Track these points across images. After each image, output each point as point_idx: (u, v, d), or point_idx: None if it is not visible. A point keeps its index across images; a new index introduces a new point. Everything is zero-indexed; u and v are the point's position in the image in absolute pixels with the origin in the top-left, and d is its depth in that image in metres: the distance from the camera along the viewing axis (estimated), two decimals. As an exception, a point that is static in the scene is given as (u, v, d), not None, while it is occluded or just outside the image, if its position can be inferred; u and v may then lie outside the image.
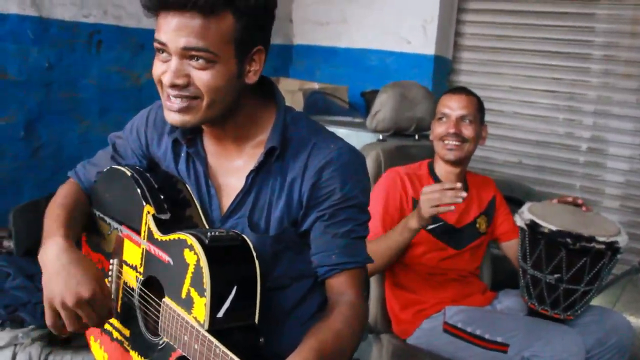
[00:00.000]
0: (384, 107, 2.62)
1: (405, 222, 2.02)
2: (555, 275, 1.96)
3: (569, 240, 1.91)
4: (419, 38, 3.90)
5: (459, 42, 4.07)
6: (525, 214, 2.04)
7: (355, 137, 2.87)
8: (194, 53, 1.20)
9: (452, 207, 1.87)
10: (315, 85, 3.77)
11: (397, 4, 3.93)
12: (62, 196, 1.46)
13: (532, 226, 1.99)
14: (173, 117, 1.27)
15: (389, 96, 2.61)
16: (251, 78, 1.29)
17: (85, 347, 2.32)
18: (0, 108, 2.79)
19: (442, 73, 4.01)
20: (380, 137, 2.70)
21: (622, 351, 2.08)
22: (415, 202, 2.22)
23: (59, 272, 1.24)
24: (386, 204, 2.21)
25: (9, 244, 2.62)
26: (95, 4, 3.08)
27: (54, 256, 1.27)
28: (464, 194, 1.85)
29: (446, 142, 2.25)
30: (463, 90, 2.35)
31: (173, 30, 1.19)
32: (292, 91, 3.50)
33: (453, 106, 2.28)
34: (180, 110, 1.24)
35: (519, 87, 3.90)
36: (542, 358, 1.92)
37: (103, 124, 3.20)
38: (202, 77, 1.21)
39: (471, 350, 2.10)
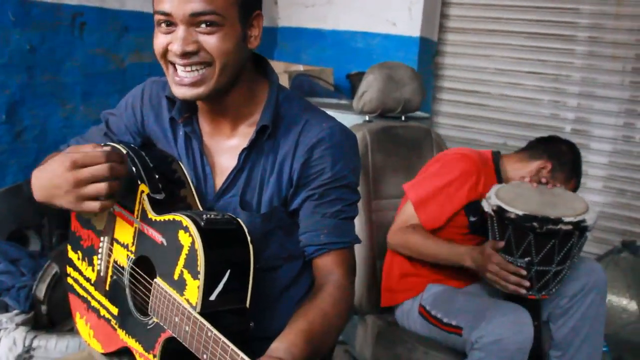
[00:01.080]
0: (370, 88, 2.60)
1: (463, 252, 2.08)
2: (526, 259, 1.97)
3: (535, 224, 1.91)
4: (405, 20, 3.88)
5: (444, 24, 4.07)
6: (492, 199, 2.04)
7: (342, 119, 2.77)
8: (202, 18, 1.18)
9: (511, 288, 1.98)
10: (301, 68, 3.75)
11: (383, -14, 3.91)
12: (48, 158, 1.42)
13: (499, 212, 1.99)
14: (184, 92, 1.25)
15: (376, 77, 2.60)
16: (253, 43, 1.29)
17: (70, 331, 2.34)
18: (-18, 91, 2.74)
19: (427, 55, 4.00)
20: (367, 118, 2.69)
21: (602, 293, 2.11)
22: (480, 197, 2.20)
23: (45, 172, 1.21)
24: (459, 189, 2.19)
25: (-9, 228, 2.60)
26: (78, -15, 3.04)
27: (36, 182, 1.24)
28: (527, 284, 1.96)
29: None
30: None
31: None
32: (278, 73, 3.46)
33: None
34: (194, 84, 1.23)
35: (505, 69, 3.91)
36: (487, 338, 1.92)
37: (87, 107, 3.16)
38: (212, 42, 1.20)
39: (437, 332, 2.14)
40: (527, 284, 1.97)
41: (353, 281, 1.38)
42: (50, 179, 1.19)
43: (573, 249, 1.97)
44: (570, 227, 1.91)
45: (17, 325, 2.23)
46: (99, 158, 1.16)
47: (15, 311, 2.28)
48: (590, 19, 3.67)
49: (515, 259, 1.99)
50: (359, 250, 1.96)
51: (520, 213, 1.95)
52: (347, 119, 2.78)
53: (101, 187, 1.16)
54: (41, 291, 2.29)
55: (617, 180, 3.70)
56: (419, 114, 2.89)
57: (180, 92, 1.25)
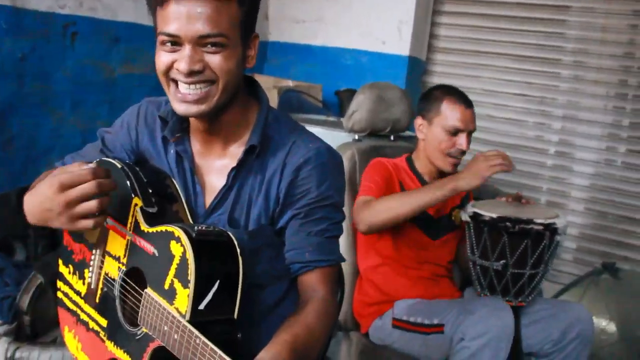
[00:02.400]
0: (360, 107, 2.64)
1: (448, 181, 2.10)
2: (502, 262, 2.08)
3: (508, 224, 2.03)
4: (394, 39, 3.93)
5: (433, 43, 4.12)
6: (469, 208, 2.16)
7: (330, 137, 2.84)
8: (209, 40, 1.22)
9: (511, 169, 2.09)
10: (290, 83, 3.77)
11: (373, 5, 3.96)
12: (42, 177, 1.43)
13: (475, 217, 2.11)
14: (186, 108, 1.27)
15: (366, 97, 2.64)
16: (250, 62, 1.33)
17: (53, 342, 2.32)
18: (-29, 98, 2.74)
19: (416, 74, 4.05)
20: (356, 137, 2.72)
21: (585, 342, 2.14)
22: (402, 186, 2.29)
23: (35, 197, 1.21)
24: (382, 177, 2.27)
25: (-23, 237, 2.58)
26: (70, -5, 3.05)
27: (29, 206, 1.24)
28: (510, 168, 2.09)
29: (455, 156, 2.30)
30: (470, 103, 2.33)
31: (187, 19, 1.20)
32: (267, 88, 3.42)
33: (468, 122, 2.29)
34: (197, 101, 1.26)
35: (492, 90, 3.96)
36: (472, 333, 1.96)
37: (76, 116, 3.16)
38: (217, 61, 1.24)
39: (416, 339, 2.17)
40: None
41: (337, 297, 1.41)
42: (41, 203, 1.20)
43: (545, 252, 2.08)
44: (541, 227, 2.03)
45: (0, 335, 2.22)
46: (85, 176, 1.17)
47: (-2, 322, 2.27)
48: (576, 43, 3.74)
49: (491, 262, 2.09)
50: (344, 268, 1.98)
51: (495, 215, 2.07)
52: (336, 137, 2.82)
53: (92, 204, 1.17)
54: (25, 302, 2.28)
55: (599, 203, 3.75)
56: (407, 133, 2.92)
57: (182, 108, 1.28)
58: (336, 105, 3.90)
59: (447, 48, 4.10)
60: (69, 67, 3.10)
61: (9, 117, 2.88)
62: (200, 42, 1.22)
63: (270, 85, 3.61)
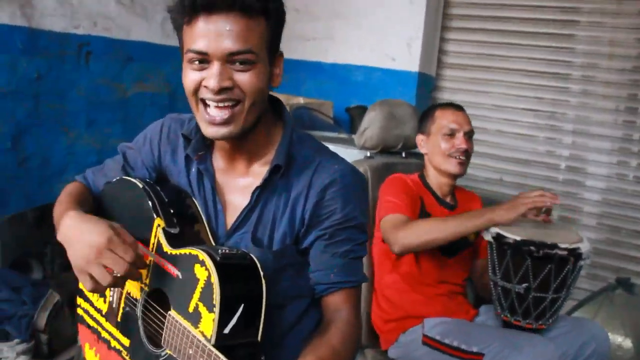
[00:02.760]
0: (372, 125, 2.66)
1: (485, 211, 2.13)
2: (524, 285, 2.05)
3: (532, 248, 2.00)
4: (404, 55, 3.95)
5: (442, 59, 4.14)
6: (491, 228, 2.13)
7: (343, 154, 2.86)
8: (238, 57, 1.22)
9: (548, 203, 2.07)
10: (301, 100, 3.79)
11: (383, 22, 3.99)
12: (69, 191, 1.47)
13: (498, 238, 2.08)
14: (216, 131, 1.28)
15: (377, 114, 2.66)
16: (276, 81, 1.34)
17: (70, 360, 2.34)
18: (-12, 118, 2.78)
19: (425, 90, 4.07)
20: (368, 154, 2.73)
21: (601, 359, 2.13)
22: (422, 202, 2.32)
23: (74, 236, 1.23)
24: (406, 192, 2.29)
25: (-6, 255, 2.61)
26: (85, 16, 3.09)
27: (67, 227, 1.26)
28: (558, 201, 2.07)
29: (456, 157, 2.34)
30: (460, 107, 2.44)
31: (216, 36, 1.21)
32: (278, 105, 3.52)
33: (461, 122, 2.37)
34: (225, 123, 1.26)
35: (502, 105, 3.97)
36: None
37: (90, 135, 3.20)
38: (245, 79, 1.24)
39: None
40: (559, 200, 2.09)
41: (360, 318, 1.41)
42: (80, 241, 1.22)
43: (569, 276, 2.04)
44: (565, 252, 2.00)
45: (18, 354, 2.24)
46: (128, 256, 1.20)
47: (16, 340, 2.28)
48: (585, 58, 3.75)
49: (513, 285, 2.06)
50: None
51: (519, 238, 2.04)
52: (348, 154, 2.82)
53: (120, 262, 1.20)
54: (42, 320, 2.30)
55: (611, 218, 3.74)
56: (418, 150, 2.93)
57: (211, 131, 1.28)
58: (347, 122, 3.92)
59: (456, 64, 4.12)
60: (83, 86, 3.14)
61: (25, 137, 2.91)
62: (229, 59, 1.23)
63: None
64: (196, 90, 1.27)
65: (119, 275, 1.20)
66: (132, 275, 1.22)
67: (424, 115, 2.47)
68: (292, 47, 4.26)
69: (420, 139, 2.46)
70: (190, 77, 1.27)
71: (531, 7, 3.82)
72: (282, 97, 3.77)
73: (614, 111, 3.71)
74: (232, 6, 1.20)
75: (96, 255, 1.19)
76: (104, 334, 1.46)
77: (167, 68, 3.51)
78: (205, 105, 1.27)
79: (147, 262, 1.32)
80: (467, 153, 2.37)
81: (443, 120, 2.38)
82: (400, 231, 2.15)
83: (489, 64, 3.99)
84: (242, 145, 1.37)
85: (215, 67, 1.23)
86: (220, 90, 1.23)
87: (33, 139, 2.95)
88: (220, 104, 1.25)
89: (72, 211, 1.29)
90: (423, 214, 2.32)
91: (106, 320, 1.46)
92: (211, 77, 1.23)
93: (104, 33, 3.19)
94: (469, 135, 2.38)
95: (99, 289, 1.23)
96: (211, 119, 1.27)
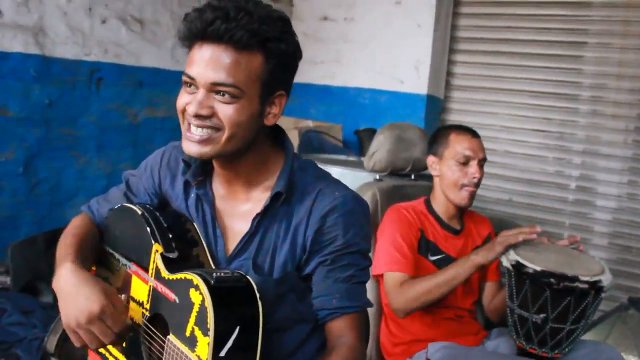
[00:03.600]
0: (381, 148, 2.67)
1: (466, 260, 2.11)
2: (541, 315, 1.99)
3: (552, 280, 1.94)
4: (412, 78, 3.98)
5: (450, 81, 4.17)
6: (511, 255, 2.07)
7: (352, 177, 2.91)
8: (221, 88, 1.25)
9: (520, 238, 2.03)
10: (310, 123, 3.83)
11: (391, 45, 4.03)
12: (75, 227, 1.50)
13: (517, 267, 2.02)
14: (192, 148, 1.31)
15: (386, 137, 2.67)
16: (270, 120, 1.34)
17: (80, 384, 2.35)
18: (1, 144, 2.83)
19: (434, 112, 4.09)
20: (377, 176, 2.75)
21: None
22: (422, 232, 2.30)
23: (70, 294, 1.26)
24: (402, 234, 2.27)
25: (5, 279, 2.64)
26: (96, 43, 3.15)
27: (64, 280, 1.29)
28: (539, 230, 2.04)
29: (469, 189, 2.30)
30: (476, 133, 2.38)
31: (205, 64, 1.24)
32: (287, 129, 3.51)
33: (476, 150, 2.32)
34: (201, 142, 1.29)
35: (510, 126, 3.98)
36: None
37: (100, 160, 3.25)
38: (226, 111, 1.26)
39: None
40: (539, 229, 2.04)
41: (365, 343, 1.41)
42: (72, 297, 1.26)
43: (588, 308, 1.99)
44: (586, 285, 1.93)
45: (27, 377, 2.25)
46: (116, 327, 1.25)
47: (26, 363, 2.30)
48: (593, 79, 3.76)
49: (531, 314, 2.01)
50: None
51: (538, 269, 1.97)
52: (357, 177, 2.85)
53: (107, 332, 1.25)
54: (52, 344, 2.31)
55: (623, 237, 3.72)
56: (428, 172, 2.94)
57: (187, 147, 1.31)
58: (356, 145, 3.94)
59: (464, 86, 4.14)
60: (95, 112, 3.19)
61: (36, 162, 2.96)
62: (213, 88, 1.25)
63: (290, 126, 3.67)
64: (183, 111, 1.31)
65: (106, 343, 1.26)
66: (118, 343, 1.28)
67: (437, 136, 2.42)
68: (301, 70, 4.22)
69: (431, 160, 2.40)
70: (181, 98, 1.31)
71: (539, 29, 3.85)
72: (290, 120, 3.82)
73: (623, 131, 3.71)
74: (221, 38, 1.22)
75: (87, 321, 1.23)
76: (111, 359, 1.47)
77: (176, 93, 3.54)
78: (189, 124, 1.30)
79: (147, 286, 1.34)
80: (479, 182, 2.33)
81: (458, 146, 2.32)
82: (399, 296, 2.17)
83: (497, 86, 4.00)
84: (237, 171, 1.39)
85: (200, 94, 1.26)
86: (197, 116, 1.26)
87: (44, 164, 3.00)
88: (199, 129, 1.28)
89: (69, 263, 1.31)
90: (423, 243, 2.30)
91: (113, 346, 1.47)
92: (194, 102, 1.26)
93: (114, 60, 3.25)
94: (482, 163, 2.34)
95: (86, 348, 1.28)
96: (191, 136, 1.29)
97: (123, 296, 1.36)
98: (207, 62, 1.24)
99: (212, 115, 1.27)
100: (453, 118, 4.13)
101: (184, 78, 1.29)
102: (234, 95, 1.26)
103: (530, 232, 2.03)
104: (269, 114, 1.34)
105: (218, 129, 1.28)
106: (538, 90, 3.89)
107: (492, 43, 4.00)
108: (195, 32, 1.25)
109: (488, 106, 4.04)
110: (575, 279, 1.94)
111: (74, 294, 1.26)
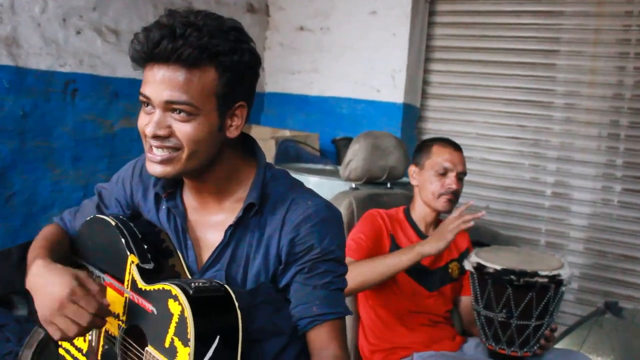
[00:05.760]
0: (356, 156, 2.68)
1: (414, 246, 2.14)
2: (506, 313, 2.05)
3: (513, 277, 2.01)
4: (388, 87, 4.01)
5: (426, 90, 4.20)
6: (472, 258, 2.15)
7: (328, 185, 2.92)
8: (176, 106, 1.24)
9: (472, 223, 2.13)
10: (287, 133, 3.83)
11: (367, 55, 4.05)
12: (45, 234, 1.49)
13: (479, 268, 2.10)
14: (154, 168, 1.30)
15: (362, 146, 2.68)
16: (232, 132, 1.33)
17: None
18: (-26, 156, 2.79)
19: (410, 120, 4.11)
20: (353, 185, 2.75)
21: None
22: (393, 238, 2.31)
23: (41, 286, 1.25)
24: (365, 231, 2.29)
25: (-21, 293, 2.60)
26: (71, 54, 3.13)
27: (35, 276, 1.28)
28: (482, 213, 2.17)
29: (446, 197, 2.33)
30: (458, 147, 2.42)
31: (157, 84, 1.23)
32: (264, 139, 3.56)
33: (455, 162, 2.36)
34: (162, 162, 1.28)
35: (486, 134, 4.02)
36: None
37: (76, 172, 3.21)
38: (183, 129, 1.26)
39: None
40: (483, 213, 2.17)
41: (347, 353, 1.40)
42: (45, 291, 1.24)
43: (550, 303, 2.06)
44: (546, 280, 2.01)
45: (2, 392, 2.21)
46: (93, 307, 1.22)
47: (0, 378, 2.26)
48: (566, 86, 3.81)
49: (496, 313, 2.07)
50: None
51: (499, 267, 2.06)
52: (334, 186, 2.85)
53: (83, 313, 1.22)
54: (27, 358, 2.28)
55: (598, 243, 3.76)
56: (405, 179, 2.96)
57: (150, 168, 1.31)
58: (333, 154, 3.95)
59: (440, 94, 4.18)
60: (69, 123, 3.16)
61: (11, 174, 2.92)
62: (168, 107, 1.25)
63: (267, 136, 3.67)
64: (144, 132, 1.30)
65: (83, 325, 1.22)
66: (97, 325, 1.25)
67: (421, 146, 2.47)
68: (278, 80, 4.32)
69: (412, 170, 2.44)
70: (140, 120, 1.30)
71: (512, 37, 3.91)
72: (268, 130, 3.82)
73: (596, 137, 3.77)
74: (169, 58, 1.22)
75: (59, 307, 1.21)
76: (86, 372, 1.45)
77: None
78: (150, 146, 1.30)
79: (123, 298, 1.33)
80: (457, 193, 2.36)
81: (438, 157, 2.36)
82: None
83: (472, 94, 4.05)
84: (206, 184, 1.38)
85: (156, 114, 1.26)
86: (155, 137, 1.26)
87: (19, 176, 2.96)
88: (159, 149, 1.28)
89: (40, 259, 1.30)
90: (394, 248, 2.31)
91: (87, 359, 1.45)
92: (151, 123, 1.26)
93: (90, 70, 3.23)
94: (461, 176, 2.38)
95: (67, 339, 1.25)
96: (152, 157, 1.29)
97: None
98: (160, 82, 1.24)
99: (170, 135, 1.26)
100: (429, 126, 4.17)
101: (141, 98, 1.28)
102: (190, 113, 1.25)
103: (474, 215, 2.14)
104: (231, 126, 1.33)
105: (177, 148, 1.27)
106: (513, 98, 3.94)
107: (467, 52, 4.04)
108: (143, 55, 1.24)
109: (464, 114, 4.08)
110: (535, 274, 2.02)
111: (43, 285, 1.25)
